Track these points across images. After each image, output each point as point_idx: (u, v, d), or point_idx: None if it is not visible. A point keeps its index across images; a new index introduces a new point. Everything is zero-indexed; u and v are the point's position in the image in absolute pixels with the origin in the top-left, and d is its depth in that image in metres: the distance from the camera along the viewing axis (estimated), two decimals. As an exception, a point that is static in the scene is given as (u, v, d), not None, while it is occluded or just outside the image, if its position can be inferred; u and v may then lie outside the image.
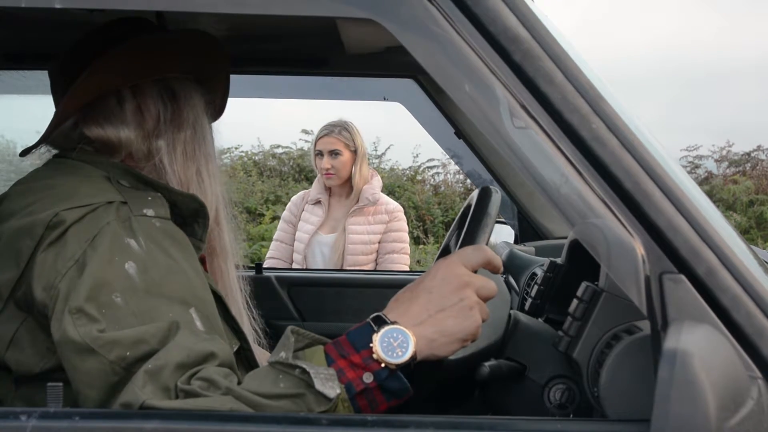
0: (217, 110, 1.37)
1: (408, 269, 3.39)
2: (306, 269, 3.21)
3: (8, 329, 1.06)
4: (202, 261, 1.28)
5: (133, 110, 1.21)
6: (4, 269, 1.06)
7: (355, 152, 3.29)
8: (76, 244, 1.03)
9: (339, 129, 3.29)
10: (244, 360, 1.19)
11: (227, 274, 1.32)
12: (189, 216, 1.18)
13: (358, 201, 3.31)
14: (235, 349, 1.15)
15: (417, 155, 10.41)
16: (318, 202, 3.35)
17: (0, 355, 1.06)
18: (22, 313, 1.06)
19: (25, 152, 1.27)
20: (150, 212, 1.09)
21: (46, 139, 1.23)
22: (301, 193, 3.51)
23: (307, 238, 3.29)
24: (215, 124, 1.36)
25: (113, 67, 1.18)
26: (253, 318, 1.36)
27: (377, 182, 3.40)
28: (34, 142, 1.24)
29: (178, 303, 1.03)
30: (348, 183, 3.33)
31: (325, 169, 3.28)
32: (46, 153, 1.27)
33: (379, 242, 3.32)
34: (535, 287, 1.55)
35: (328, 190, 3.38)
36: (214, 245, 1.31)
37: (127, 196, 1.11)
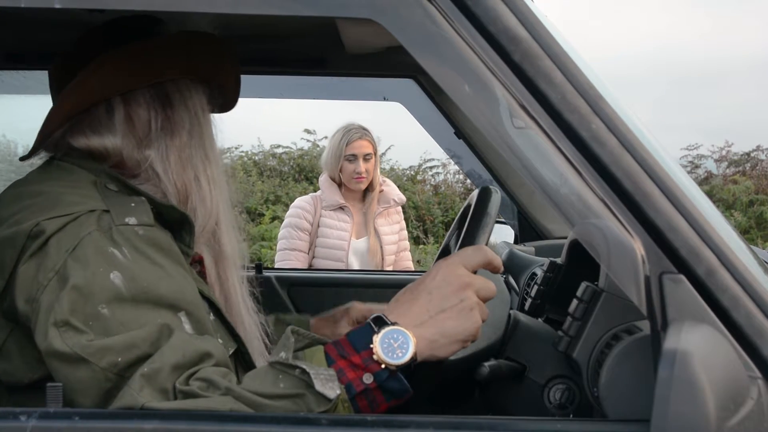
0: (227, 104, 1.33)
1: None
2: (306, 269, 3.21)
3: None
4: (200, 263, 1.27)
5: (122, 119, 1.17)
6: None
7: (375, 154, 3.32)
8: (57, 255, 1.02)
9: (366, 132, 3.29)
10: (242, 362, 1.18)
11: (227, 281, 1.29)
12: (174, 223, 1.15)
13: (379, 202, 3.32)
14: (231, 351, 1.14)
15: (424, 152, 10.42)
16: (341, 208, 3.29)
17: None
18: (10, 323, 1.05)
19: (24, 158, 1.24)
20: (132, 220, 1.07)
21: (36, 150, 1.20)
22: (307, 198, 3.38)
23: (345, 245, 3.24)
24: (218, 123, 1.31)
25: (102, 77, 1.15)
26: (261, 323, 1.33)
27: (392, 183, 3.46)
28: (33, 144, 1.23)
29: (166, 308, 1.02)
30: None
31: (357, 173, 3.23)
32: (44, 155, 1.25)
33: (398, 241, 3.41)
34: (535, 287, 1.55)
35: (350, 193, 3.32)
36: (215, 251, 1.28)
37: (110, 203, 1.08)
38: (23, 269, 1.03)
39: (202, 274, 1.26)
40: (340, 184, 3.33)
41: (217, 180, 1.24)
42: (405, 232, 3.49)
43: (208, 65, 1.25)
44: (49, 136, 1.17)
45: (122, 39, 1.18)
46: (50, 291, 1.00)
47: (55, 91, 1.25)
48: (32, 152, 1.21)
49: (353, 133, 3.27)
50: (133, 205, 1.10)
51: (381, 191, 3.36)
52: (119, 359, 0.95)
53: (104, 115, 1.17)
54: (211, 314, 1.14)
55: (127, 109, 1.18)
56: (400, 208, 3.45)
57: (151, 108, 1.19)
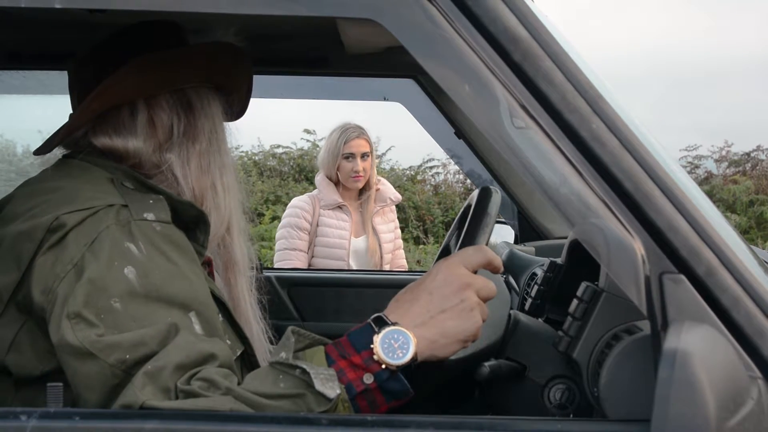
0: (237, 112, 1.36)
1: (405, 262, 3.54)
2: (306, 269, 3.21)
3: (9, 332, 1.06)
4: (209, 264, 1.28)
5: (145, 122, 1.20)
6: (5, 272, 1.06)
7: (372, 153, 3.32)
8: (75, 248, 1.03)
9: (362, 131, 3.29)
10: (248, 364, 1.19)
11: (236, 286, 1.31)
12: (190, 222, 1.17)
13: (376, 201, 3.33)
14: (238, 353, 1.15)
15: (426, 153, 10.42)
16: (339, 207, 3.28)
17: (0, 358, 1.06)
18: (23, 316, 1.06)
19: (39, 152, 1.26)
20: (150, 216, 1.08)
21: (56, 145, 1.23)
22: (304, 197, 3.37)
23: (346, 244, 3.24)
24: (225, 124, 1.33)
25: (129, 80, 1.17)
26: (266, 331, 1.34)
27: (387, 182, 3.47)
28: (38, 142, 1.24)
29: (177, 307, 1.02)
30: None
31: (355, 172, 3.23)
32: (49, 154, 1.26)
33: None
34: (535, 287, 1.55)
35: (347, 192, 3.32)
36: (225, 257, 1.30)
37: (128, 199, 1.10)
38: (41, 261, 1.04)
39: (211, 275, 1.28)
40: (337, 183, 3.33)
41: (231, 187, 1.27)
42: (399, 231, 3.51)
43: (226, 74, 1.28)
44: (69, 135, 1.20)
45: (146, 45, 1.21)
46: (67, 283, 1.01)
47: (75, 90, 1.26)
48: (51, 147, 1.24)
49: (350, 132, 3.27)
50: (151, 201, 1.11)
51: (377, 190, 3.37)
52: (127, 356, 0.96)
53: (128, 118, 1.20)
54: (221, 315, 1.14)
55: (150, 113, 1.20)
56: (394, 207, 3.47)
57: (174, 113, 1.22)
